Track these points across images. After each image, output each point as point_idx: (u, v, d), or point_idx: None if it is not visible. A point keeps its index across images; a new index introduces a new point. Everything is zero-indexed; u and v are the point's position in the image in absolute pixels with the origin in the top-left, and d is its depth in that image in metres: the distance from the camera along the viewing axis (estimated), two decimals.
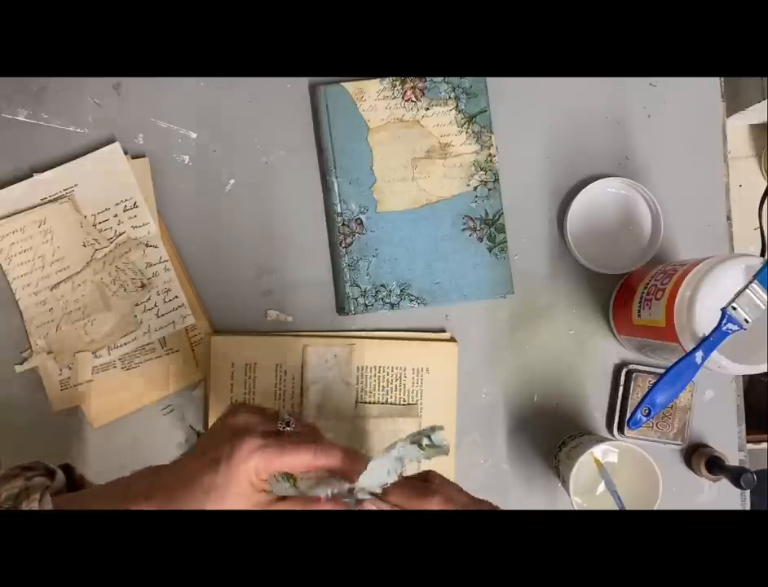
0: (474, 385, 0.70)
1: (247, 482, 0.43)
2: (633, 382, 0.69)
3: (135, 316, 0.69)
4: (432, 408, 0.69)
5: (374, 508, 0.45)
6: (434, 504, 0.44)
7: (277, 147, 0.71)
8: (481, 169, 0.70)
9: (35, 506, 0.44)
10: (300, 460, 0.44)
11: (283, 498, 0.45)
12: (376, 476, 0.44)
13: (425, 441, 0.46)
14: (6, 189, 0.68)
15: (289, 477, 0.46)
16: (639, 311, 0.63)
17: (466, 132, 0.70)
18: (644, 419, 0.57)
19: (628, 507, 0.62)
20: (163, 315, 0.69)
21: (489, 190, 0.70)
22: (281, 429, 0.47)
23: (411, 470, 0.47)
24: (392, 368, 0.69)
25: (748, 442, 0.72)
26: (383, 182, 0.70)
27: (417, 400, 0.69)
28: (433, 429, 0.46)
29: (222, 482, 0.43)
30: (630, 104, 0.73)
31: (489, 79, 0.71)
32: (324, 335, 0.69)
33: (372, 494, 0.45)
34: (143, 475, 0.46)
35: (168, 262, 0.69)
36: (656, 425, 0.70)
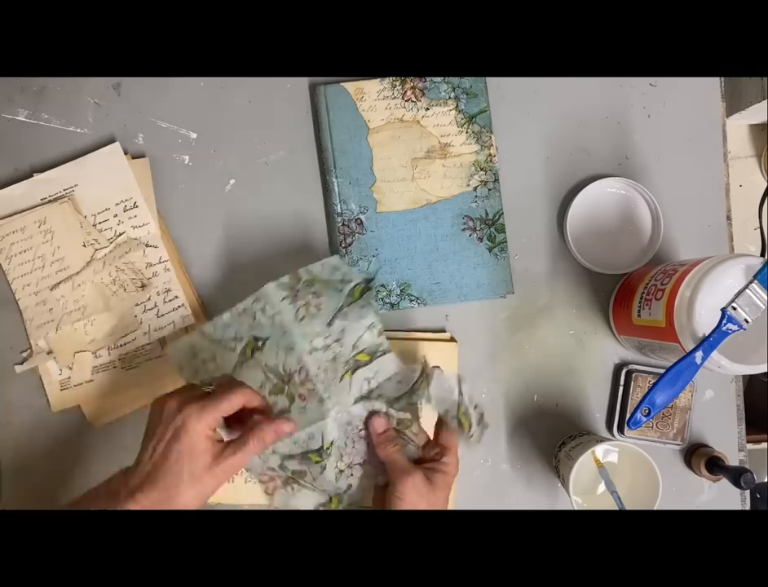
0: (474, 385, 0.70)
1: (206, 437, 0.52)
2: (633, 382, 0.69)
3: (135, 316, 0.69)
4: None
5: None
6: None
7: (277, 147, 0.71)
8: (481, 170, 0.70)
9: None
10: (231, 403, 0.54)
11: (230, 442, 0.54)
12: None
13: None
14: (6, 189, 0.68)
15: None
16: (639, 311, 0.63)
17: (466, 132, 0.70)
18: (644, 419, 0.57)
19: (628, 507, 0.62)
20: (163, 315, 0.69)
21: (489, 190, 0.70)
22: (207, 391, 0.56)
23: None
24: None
25: (748, 442, 0.72)
26: (383, 182, 0.70)
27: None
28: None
29: (188, 446, 0.51)
30: (630, 104, 0.73)
31: (489, 79, 0.71)
32: None
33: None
34: (118, 477, 0.52)
35: (168, 262, 0.69)
36: (656, 425, 0.70)
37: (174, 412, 0.52)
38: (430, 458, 0.60)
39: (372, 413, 0.61)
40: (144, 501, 0.49)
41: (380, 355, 0.61)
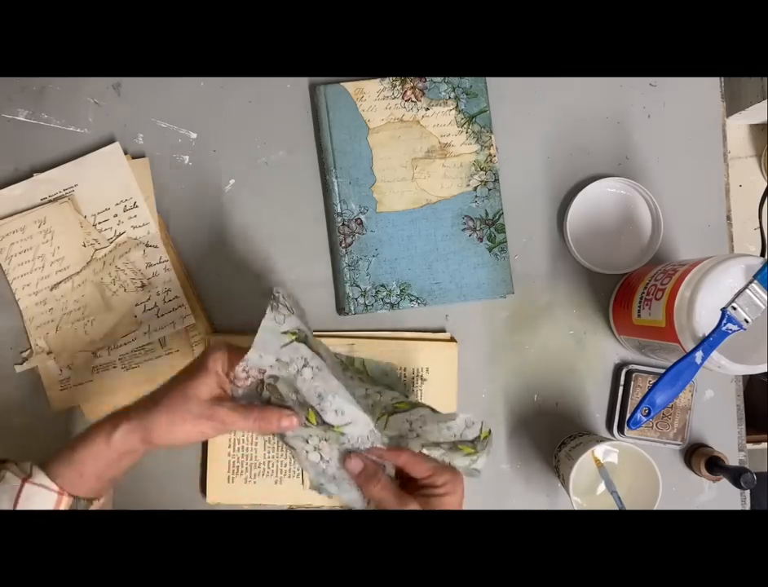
0: (474, 385, 0.70)
1: (214, 372, 0.52)
2: (633, 382, 0.69)
3: (135, 316, 0.69)
4: None
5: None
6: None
7: (277, 147, 0.71)
8: (481, 170, 0.70)
9: (24, 470, 0.49)
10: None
11: (230, 400, 0.54)
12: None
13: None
14: (6, 189, 0.68)
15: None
16: (639, 311, 0.63)
17: (466, 132, 0.70)
18: (644, 419, 0.57)
19: (628, 507, 0.62)
20: (163, 315, 0.69)
21: (489, 190, 0.70)
22: None
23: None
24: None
25: (748, 442, 0.72)
26: (383, 182, 0.70)
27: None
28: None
29: (195, 367, 0.52)
30: (630, 104, 0.73)
31: (489, 79, 0.71)
32: (324, 335, 0.69)
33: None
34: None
35: (168, 262, 0.69)
36: (656, 425, 0.70)
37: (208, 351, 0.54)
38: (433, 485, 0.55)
39: (348, 453, 0.55)
40: (133, 420, 0.51)
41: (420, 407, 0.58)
